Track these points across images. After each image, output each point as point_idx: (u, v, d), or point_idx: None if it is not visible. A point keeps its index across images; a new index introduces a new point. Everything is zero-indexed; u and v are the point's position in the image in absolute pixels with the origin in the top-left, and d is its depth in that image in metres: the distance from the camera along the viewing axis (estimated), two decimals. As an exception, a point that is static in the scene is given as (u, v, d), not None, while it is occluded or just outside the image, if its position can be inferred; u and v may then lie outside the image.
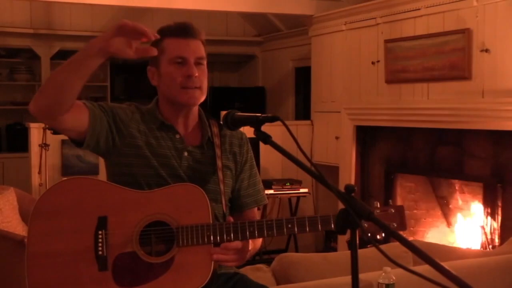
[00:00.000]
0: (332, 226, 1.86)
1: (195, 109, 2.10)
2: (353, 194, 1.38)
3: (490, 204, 4.31)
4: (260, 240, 2.08)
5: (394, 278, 2.14)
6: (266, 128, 1.69)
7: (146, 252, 1.86)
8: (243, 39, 8.07)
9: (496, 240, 4.23)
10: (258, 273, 2.43)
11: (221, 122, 1.89)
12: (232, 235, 1.86)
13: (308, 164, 1.56)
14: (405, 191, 5.15)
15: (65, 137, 2.01)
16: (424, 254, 1.20)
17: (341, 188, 1.41)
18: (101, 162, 2.98)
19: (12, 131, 7.44)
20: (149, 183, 1.98)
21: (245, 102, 7.64)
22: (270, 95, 7.97)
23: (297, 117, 7.41)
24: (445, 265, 1.16)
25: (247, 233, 1.87)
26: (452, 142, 4.56)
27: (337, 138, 5.72)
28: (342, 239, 5.20)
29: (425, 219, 5.08)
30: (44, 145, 5.29)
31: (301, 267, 2.52)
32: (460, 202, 4.82)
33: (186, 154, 2.04)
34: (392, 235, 1.31)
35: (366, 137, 5.41)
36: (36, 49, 7.22)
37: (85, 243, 1.86)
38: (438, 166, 4.70)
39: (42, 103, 1.82)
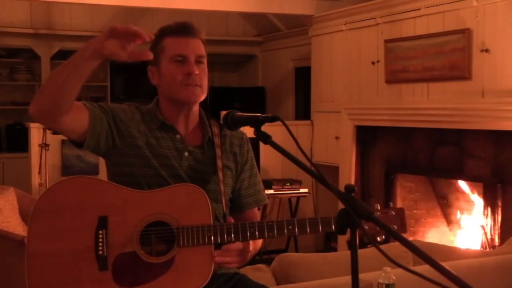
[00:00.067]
0: (333, 227, 1.86)
1: (196, 109, 2.10)
2: (353, 194, 1.38)
3: (490, 204, 4.31)
4: (261, 240, 2.08)
5: (394, 278, 2.14)
6: (266, 128, 1.69)
7: (147, 252, 1.86)
8: (243, 39, 8.07)
9: (496, 240, 4.23)
10: (258, 273, 2.43)
11: (221, 122, 1.89)
12: (232, 235, 1.86)
13: (308, 164, 1.56)
14: (405, 191, 5.15)
15: (65, 137, 2.01)
16: (424, 254, 1.20)
17: (341, 188, 1.41)
18: (101, 162, 2.99)
19: (12, 131, 7.44)
20: (149, 183, 1.97)
21: (245, 102, 7.63)
22: (270, 95, 7.97)
23: (297, 117, 7.40)
24: (445, 265, 1.16)
25: (248, 234, 1.87)
26: (452, 142, 4.55)
27: (337, 138, 5.71)
28: (342, 239, 5.20)
29: (425, 219, 5.07)
30: (44, 145, 5.29)
31: (301, 267, 2.52)
32: (460, 202, 4.82)
33: (186, 154, 2.04)
34: (392, 235, 1.31)
35: (366, 137, 5.41)
36: (36, 49, 7.21)
37: (85, 243, 1.86)
38: (438, 166, 4.70)
39: (42, 105, 1.82)
